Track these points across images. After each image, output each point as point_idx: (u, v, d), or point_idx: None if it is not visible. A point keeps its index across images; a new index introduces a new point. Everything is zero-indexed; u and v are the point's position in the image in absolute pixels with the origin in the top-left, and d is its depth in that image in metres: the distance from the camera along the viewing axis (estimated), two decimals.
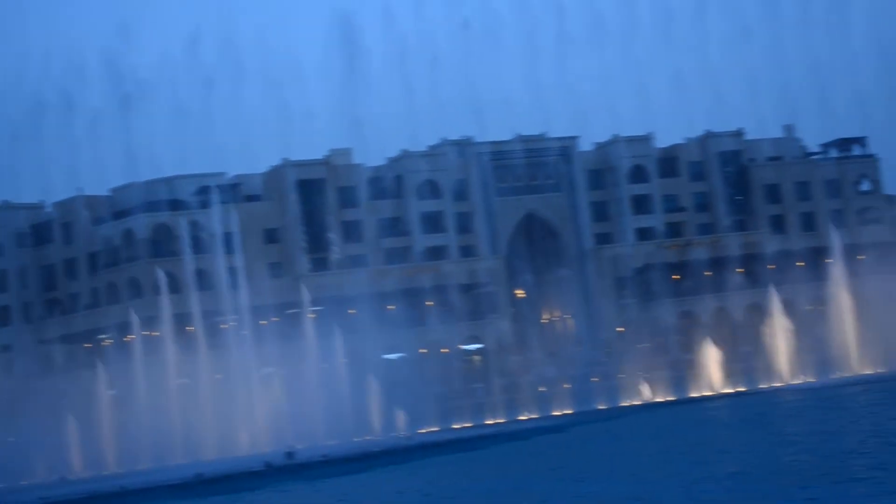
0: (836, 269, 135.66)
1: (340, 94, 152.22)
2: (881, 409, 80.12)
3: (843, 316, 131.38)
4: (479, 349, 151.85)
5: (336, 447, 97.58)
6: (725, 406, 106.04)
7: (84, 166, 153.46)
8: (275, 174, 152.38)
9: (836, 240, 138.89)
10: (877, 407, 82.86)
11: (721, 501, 46.54)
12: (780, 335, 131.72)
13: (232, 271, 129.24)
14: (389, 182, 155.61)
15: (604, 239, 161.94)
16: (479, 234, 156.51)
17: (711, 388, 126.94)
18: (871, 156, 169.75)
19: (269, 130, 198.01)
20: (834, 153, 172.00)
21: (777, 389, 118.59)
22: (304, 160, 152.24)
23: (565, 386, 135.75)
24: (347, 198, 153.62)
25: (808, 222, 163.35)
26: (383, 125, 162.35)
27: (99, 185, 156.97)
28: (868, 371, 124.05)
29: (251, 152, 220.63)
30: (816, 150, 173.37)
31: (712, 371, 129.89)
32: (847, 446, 58.59)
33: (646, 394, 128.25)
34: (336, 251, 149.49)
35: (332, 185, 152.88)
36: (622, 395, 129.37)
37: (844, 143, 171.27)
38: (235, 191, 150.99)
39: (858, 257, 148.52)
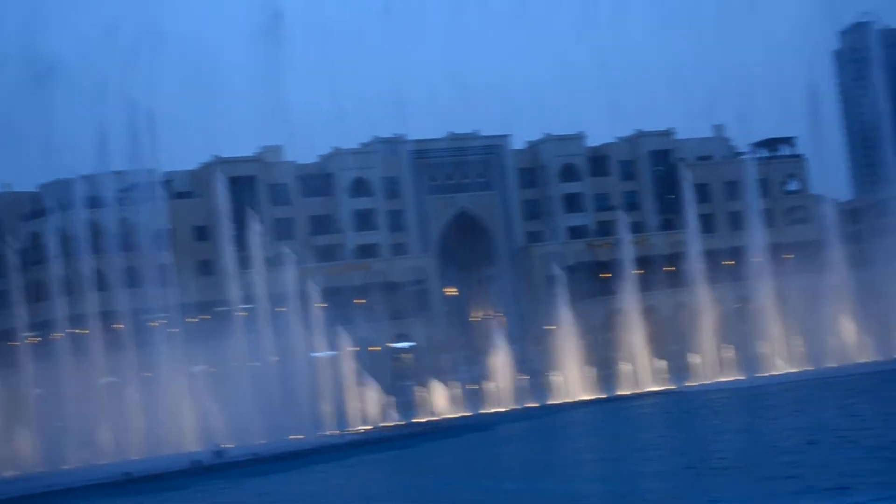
0: (761, 268, 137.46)
1: (270, 89, 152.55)
2: (805, 408, 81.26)
3: (769, 315, 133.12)
4: (410, 347, 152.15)
5: (266, 445, 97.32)
6: (653, 404, 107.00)
7: (8, 160, 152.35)
8: (205, 171, 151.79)
9: (759, 238, 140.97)
10: (801, 405, 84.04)
11: (643, 499, 47.04)
12: (706, 333, 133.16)
13: (161, 269, 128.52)
14: (320, 179, 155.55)
15: (535, 237, 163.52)
16: (411, 232, 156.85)
17: (640, 386, 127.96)
18: (798, 156, 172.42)
19: (198, 125, 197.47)
20: (763, 153, 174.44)
21: (704, 388, 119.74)
22: (234, 157, 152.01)
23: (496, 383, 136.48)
24: (279, 195, 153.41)
25: (737, 221, 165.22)
26: (314, 122, 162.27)
27: (27, 181, 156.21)
28: (794, 370, 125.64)
29: (181, 147, 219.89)
30: (745, 149, 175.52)
31: (641, 369, 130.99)
32: (770, 444, 59.38)
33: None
34: (267, 248, 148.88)
35: (263, 182, 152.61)
36: (552, 392, 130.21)
37: (773, 143, 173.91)
38: (165, 187, 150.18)
39: (785, 256, 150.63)
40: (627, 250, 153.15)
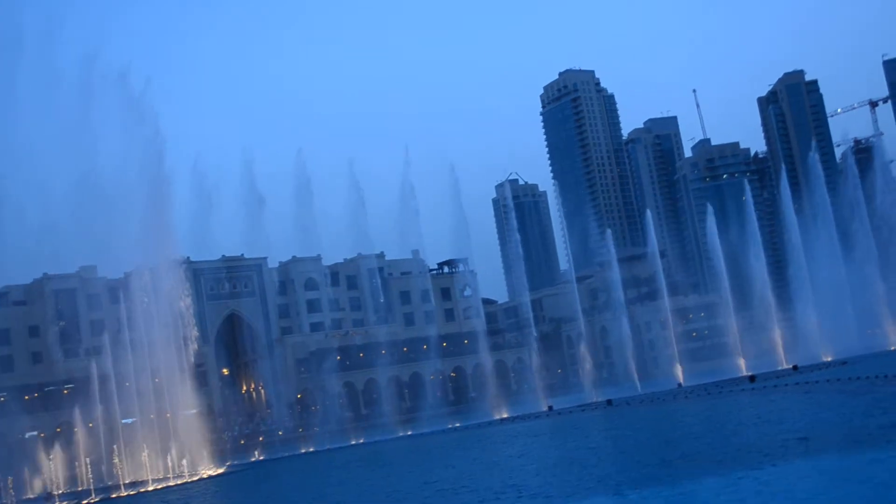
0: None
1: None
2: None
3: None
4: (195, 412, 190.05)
5: None
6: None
7: None
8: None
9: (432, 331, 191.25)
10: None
11: None
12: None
13: None
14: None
15: (287, 330, 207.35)
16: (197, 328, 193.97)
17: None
18: (471, 271, 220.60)
19: None
20: (446, 269, 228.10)
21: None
22: (60, 273, 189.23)
23: (260, 439, 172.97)
24: (95, 303, 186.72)
25: (410, 319, 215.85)
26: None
27: None
28: None
29: None
30: (434, 266, 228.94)
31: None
32: None
33: None
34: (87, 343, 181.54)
35: (83, 292, 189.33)
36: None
37: (452, 262, 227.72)
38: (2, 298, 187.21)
39: (465, 342, 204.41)
40: (354, 339, 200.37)
